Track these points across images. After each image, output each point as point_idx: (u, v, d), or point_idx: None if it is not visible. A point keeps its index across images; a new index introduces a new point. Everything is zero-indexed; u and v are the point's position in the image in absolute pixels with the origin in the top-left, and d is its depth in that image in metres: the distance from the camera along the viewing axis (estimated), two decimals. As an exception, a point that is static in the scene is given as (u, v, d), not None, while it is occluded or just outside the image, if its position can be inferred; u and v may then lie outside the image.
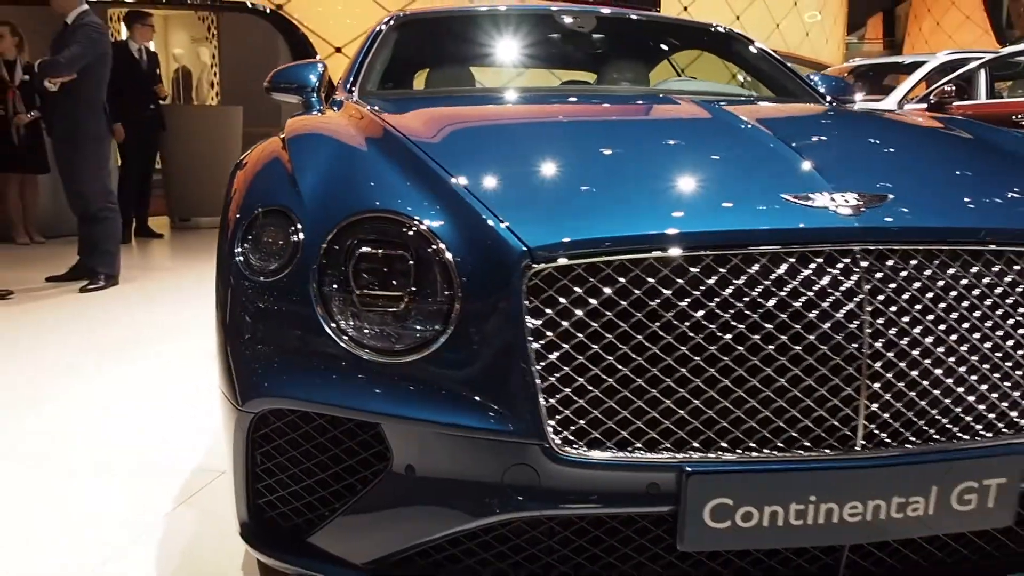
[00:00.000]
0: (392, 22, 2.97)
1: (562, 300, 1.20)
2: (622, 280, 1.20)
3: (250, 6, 9.70)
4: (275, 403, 1.33)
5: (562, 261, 1.21)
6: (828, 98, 2.78)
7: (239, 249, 1.42)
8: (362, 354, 1.27)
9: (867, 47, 29.56)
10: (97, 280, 4.92)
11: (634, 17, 3.16)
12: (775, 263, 1.22)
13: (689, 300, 1.20)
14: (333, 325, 1.29)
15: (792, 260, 1.22)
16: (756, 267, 1.22)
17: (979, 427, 1.29)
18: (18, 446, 2.48)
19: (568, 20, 3.02)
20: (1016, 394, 1.30)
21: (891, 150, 1.72)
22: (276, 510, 1.40)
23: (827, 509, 1.22)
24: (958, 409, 1.27)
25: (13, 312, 4.33)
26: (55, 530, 1.93)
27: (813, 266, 1.22)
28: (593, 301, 1.20)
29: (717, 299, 1.21)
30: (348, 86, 2.58)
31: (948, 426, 1.27)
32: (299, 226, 1.36)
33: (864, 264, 1.23)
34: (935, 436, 1.27)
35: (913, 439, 1.26)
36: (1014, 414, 1.30)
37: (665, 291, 1.20)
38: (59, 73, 4.51)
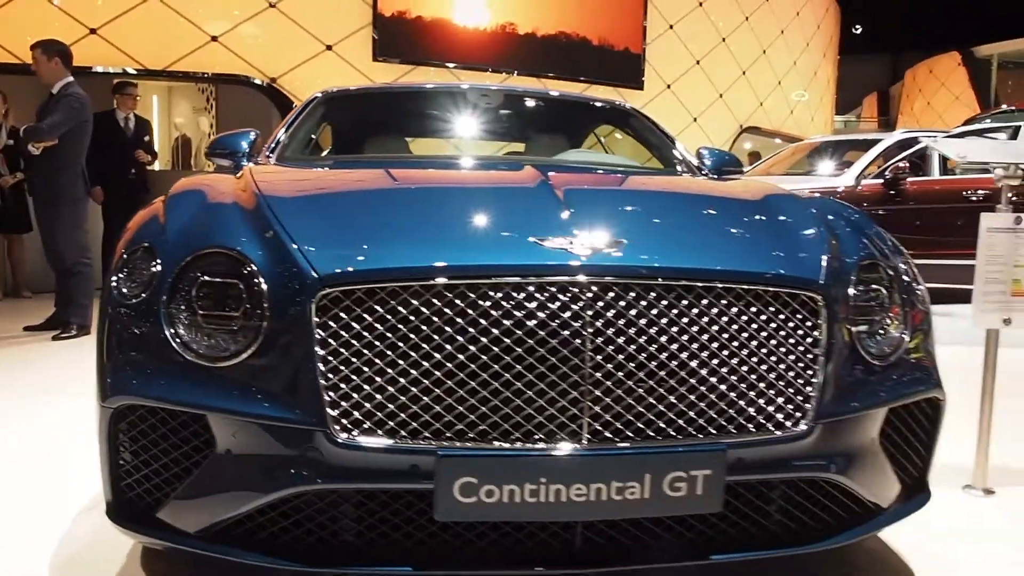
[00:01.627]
0: (319, 97, 3.36)
1: (344, 317, 1.53)
2: (392, 302, 1.53)
3: (246, 80, 10.33)
4: (128, 400, 1.64)
5: (346, 287, 1.54)
6: (703, 169, 3.11)
7: (114, 280, 1.75)
8: (192, 359, 1.59)
9: (863, 125, 30.39)
10: (70, 329, 5.25)
11: (538, 95, 3.57)
12: (516, 290, 1.55)
13: (446, 319, 1.53)
14: (175, 338, 1.62)
15: (530, 288, 1.55)
16: (500, 293, 1.54)
17: (690, 428, 1.59)
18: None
19: (476, 96, 3.41)
20: (721, 403, 1.60)
21: (660, 211, 2.07)
22: (133, 491, 1.70)
23: (556, 489, 1.51)
24: (670, 413, 1.58)
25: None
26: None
27: (546, 293, 1.55)
28: (368, 318, 1.53)
29: (468, 318, 1.53)
30: (269, 151, 2.95)
31: (663, 426, 1.57)
32: (158, 260, 1.70)
33: (588, 294, 1.56)
34: (650, 434, 1.57)
35: (631, 436, 1.56)
36: (720, 419, 1.60)
37: (425, 311, 1.53)
38: (42, 138, 4.94)
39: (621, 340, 1.55)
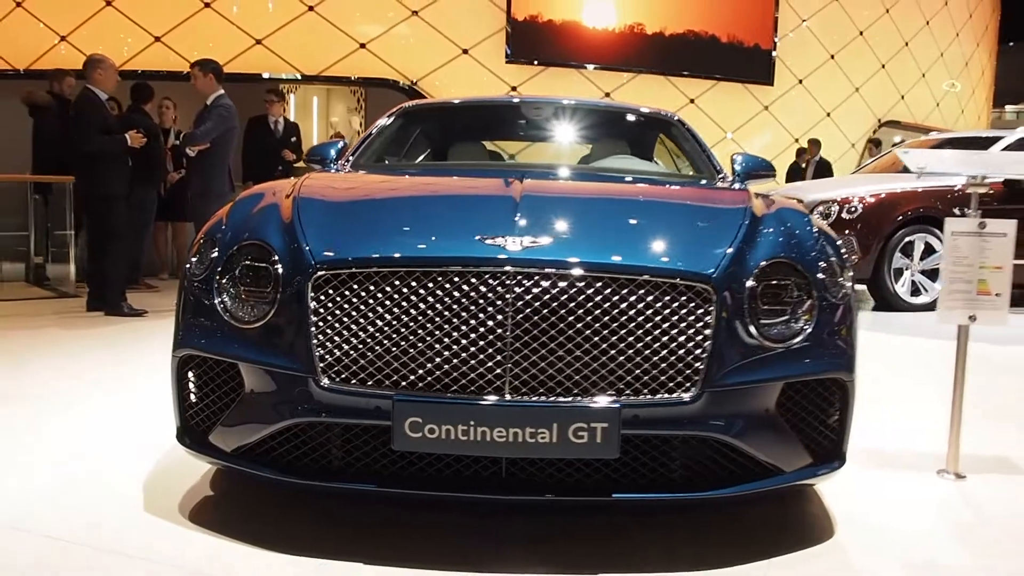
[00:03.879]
0: (396, 111, 3.94)
1: (332, 293, 2.06)
2: (367, 284, 2.04)
3: (391, 83, 11.27)
4: (189, 351, 2.25)
5: (333, 272, 2.06)
6: (730, 177, 3.42)
7: (189, 263, 2.37)
8: (232, 322, 2.18)
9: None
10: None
11: (586, 105, 3.98)
12: (458, 276, 2.02)
13: (404, 298, 2.02)
14: (221, 306, 2.21)
15: (469, 276, 2.02)
16: (445, 279, 2.02)
17: (593, 390, 2.00)
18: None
19: (529, 109, 3.89)
20: (619, 370, 2.00)
21: (602, 214, 2.49)
22: (193, 420, 2.31)
23: (482, 431, 1.97)
24: (577, 376, 1.99)
25: (143, 325, 5.63)
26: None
27: (481, 280, 2.01)
28: (349, 295, 2.05)
29: (421, 297, 2.01)
30: (348, 157, 3.55)
31: (570, 387, 1.99)
32: (216, 249, 2.30)
33: (511, 281, 2.00)
34: (559, 392, 1.99)
35: (543, 393, 1.99)
36: (619, 384, 2.00)
37: (389, 292, 2.03)
38: (196, 143, 5.86)
39: (536, 318, 1.99)
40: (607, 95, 11.56)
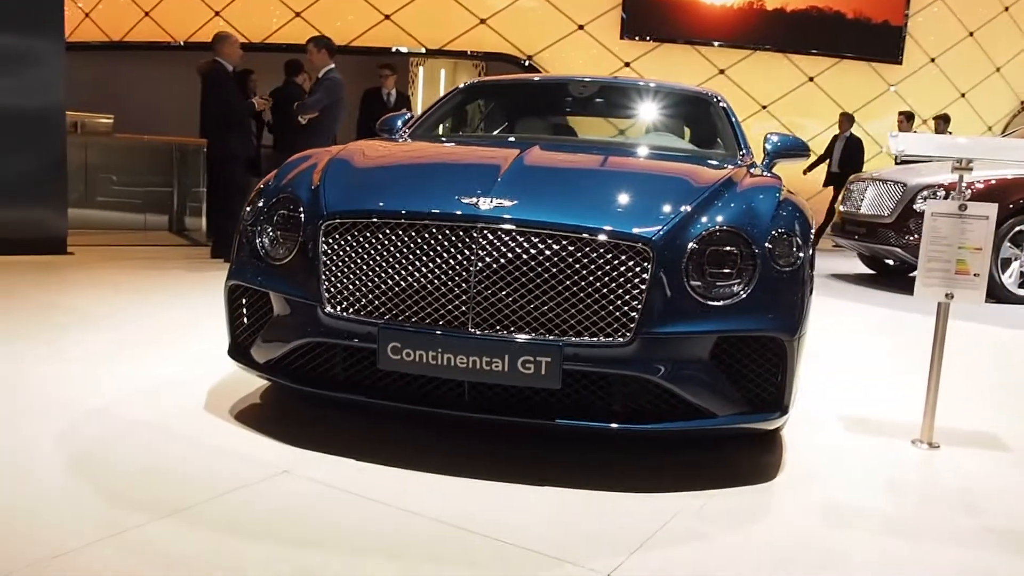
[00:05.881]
0: (462, 86, 4.36)
1: (337, 237, 2.51)
2: (366, 231, 2.48)
3: (509, 57, 11.72)
4: (236, 281, 2.78)
5: (340, 220, 2.52)
6: (751, 156, 3.64)
7: (244, 212, 2.89)
8: (266, 258, 2.68)
9: None
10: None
11: (632, 85, 4.25)
12: (436, 229, 2.43)
13: (392, 245, 2.45)
14: (260, 246, 2.72)
15: (445, 228, 2.42)
16: (426, 231, 2.43)
17: (541, 330, 2.36)
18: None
19: (577, 87, 4.21)
20: (564, 314, 2.35)
21: (578, 183, 2.82)
22: (239, 338, 2.85)
23: (447, 357, 2.37)
24: (528, 318, 2.36)
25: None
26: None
27: (453, 232, 2.40)
28: (350, 239, 2.50)
29: (404, 244, 2.44)
30: (408, 127, 4.00)
31: (522, 326, 2.37)
32: (262, 199, 2.81)
33: (477, 235, 2.38)
34: (512, 330, 2.37)
35: (499, 329, 2.37)
36: (563, 326, 2.35)
37: (381, 238, 2.46)
38: (307, 112, 6.52)
39: (495, 266, 2.37)
40: (722, 72, 11.54)
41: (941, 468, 2.81)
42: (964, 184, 2.86)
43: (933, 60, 11.88)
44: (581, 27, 11.60)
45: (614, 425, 2.41)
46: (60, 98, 6.48)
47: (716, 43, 11.63)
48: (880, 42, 11.62)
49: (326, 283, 2.52)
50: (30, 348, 3.61)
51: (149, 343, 3.87)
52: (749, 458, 2.75)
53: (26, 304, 4.58)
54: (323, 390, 2.59)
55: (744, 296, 2.43)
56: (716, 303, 2.41)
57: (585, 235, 2.37)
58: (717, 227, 2.47)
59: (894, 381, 3.99)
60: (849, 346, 4.89)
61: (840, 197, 8.44)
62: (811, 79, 11.62)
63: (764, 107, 11.41)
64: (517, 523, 2.15)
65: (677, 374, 2.39)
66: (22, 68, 6.24)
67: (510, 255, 2.37)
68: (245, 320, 2.82)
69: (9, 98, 6.18)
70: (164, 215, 8.70)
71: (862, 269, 8.58)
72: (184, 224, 8.64)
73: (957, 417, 3.29)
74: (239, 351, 2.84)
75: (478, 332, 2.38)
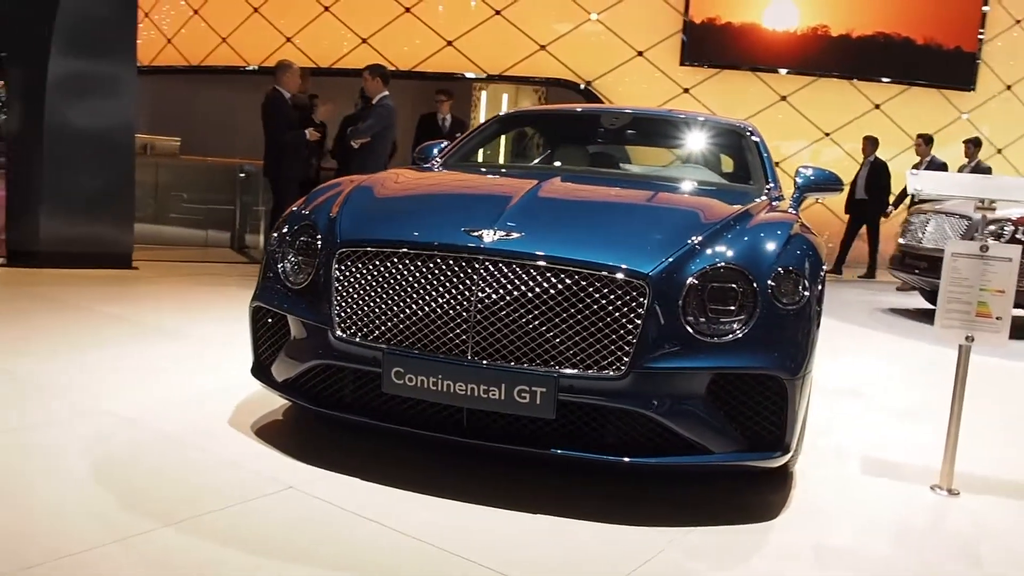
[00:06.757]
0: (498, 116, 4.46)
1: (350, 265, 2.62)
2: (375, 260, 2.58)
3: (567, 83, 11.84)
4: (258, 303, 2.91)
5: (352, 248, 2.62)
6: (776, 190, 3.63)
7: (271, 237, 3.03)
8: (286, 282, 2.80)
9: None
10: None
11: (654, 116, 4.29)
12: (440, 260, 2.51)
13: (398, 274, 2.54)
14: (281, 271, 2.84)
15: (449, 260, 2.50)
16: (430, 261, 2.51)
17: (537, 360, 2.41)
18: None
19: (609, 119, 4.26)
20: (560, 346, 2.39)
21: (584, 217, 2.85)
22: (261, 357, 2.98)
23: (447, 383, 2.45)
24: (524, 348, 2.42)
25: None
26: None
27: (456, 264, 2.48)
28: (361, 268, 2.60)
29: (411, 275, 2.52)
30: (442, 155, 4.11)
31: (520, 356, 2.42)
32: (287, 226, 2.94)
33: (478, 267, 2.45)
34: (509, 360, 2.42)
35: (497, 359, 2.43)
36: (560, 357, 2.40)
37: (388, 268, 2.55)
38: (359, 137, 6.73)
39: (495, 297, 2.43)
40: (783, 99, 11.40)
41: (953, 516, 2.74)
42: (986, 222, 2.80)
43: (1009, 87, 11.50)
44: (640, 53, 11.62)
45: (609, 457, 2.44)
46: (131, 120, 6.83)
47: (782, 70, 11.50)
48: (951, 68, 11.32)
49: (337, 308, 2.62)
50: (86, 358, 3.83)
51: (196, 356, 4.05)
52: (757, 494, 2.73)
53: (90, 316, 4.84)
54: (332, 411, 2.69)
55: (742, 334, 2.43)
56: (712, 339, 2.42)
57: (582, 269, 2.41)
58: (720, 263, 2.48)
59: (932, 421, 3.89)
60: (894, 383, 4.77)
61: (900, 230, 8.22)
62: (877, 106, 11.38)
63: (827, 134, 11.22)
64: (508, 549, 2.20)
65: (672, 409, 2.40)
66: (97, 92, 6.61)
67: (509, 287, 2.44)
68: (266, 341, 2.95)
69: (84, 120, 6.55)
70: (226, 232, 9.05)
71: (923, 304, 8.33)
72: (244, 241, 8.98)
73: (984, 461, 3.19)
74: (260, 370, 2.96)
75: (477, 360, 2.45)
